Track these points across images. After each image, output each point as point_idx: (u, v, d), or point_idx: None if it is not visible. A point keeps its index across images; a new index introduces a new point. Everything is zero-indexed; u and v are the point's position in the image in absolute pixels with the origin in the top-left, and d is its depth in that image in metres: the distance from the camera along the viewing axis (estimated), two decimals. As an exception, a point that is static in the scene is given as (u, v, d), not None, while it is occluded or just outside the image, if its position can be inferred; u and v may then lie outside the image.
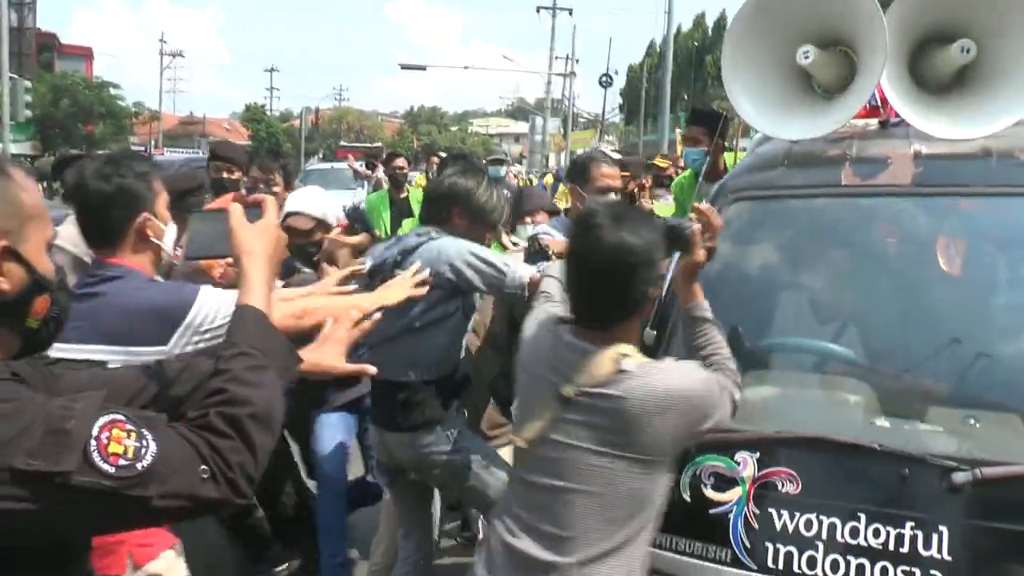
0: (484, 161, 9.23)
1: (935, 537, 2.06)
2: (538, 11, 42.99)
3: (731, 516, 2.27)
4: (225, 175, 5.20)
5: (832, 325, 2.71)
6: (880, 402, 2.45)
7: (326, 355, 1.93)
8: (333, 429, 4.15)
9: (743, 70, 3.12)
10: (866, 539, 2.12)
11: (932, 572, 2.05)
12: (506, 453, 3.30)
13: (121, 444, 1.26)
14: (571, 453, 2.08)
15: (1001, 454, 2.15)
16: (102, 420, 1.27)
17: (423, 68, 43.08)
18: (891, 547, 2.09)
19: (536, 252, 3.39)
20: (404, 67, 42.17)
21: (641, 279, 2.10)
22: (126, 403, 1.65)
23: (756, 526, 2.24)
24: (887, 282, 2.75)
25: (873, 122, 3.26)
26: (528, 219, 4.47)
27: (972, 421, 2.33)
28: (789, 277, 2.89)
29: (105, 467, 1.24)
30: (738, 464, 2.31)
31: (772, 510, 2.23)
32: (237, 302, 1.56)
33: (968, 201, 2.68)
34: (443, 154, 11.25)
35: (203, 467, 1.32)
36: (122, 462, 1.25)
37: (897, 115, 3.05)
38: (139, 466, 1.26)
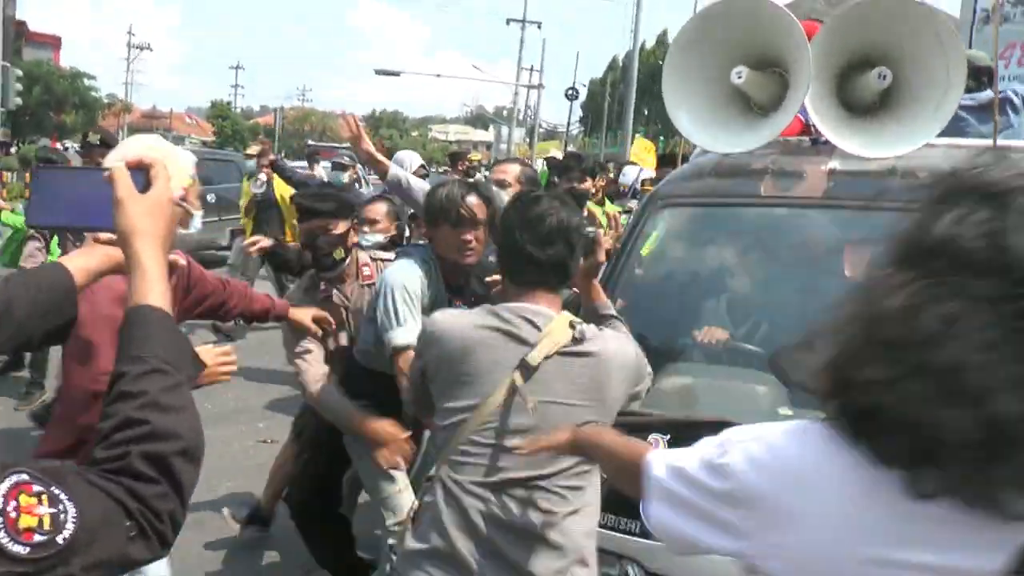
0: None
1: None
2: (508, 23, 43.40)
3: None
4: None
5: (746, 322, 2.93)
6: (786, 393, 2.66)
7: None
8: None
9: (682, 87, 3.33)
10: (761, 513, 2.31)
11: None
12: None
13: (33, 514, 0.98)
14: (549, 410, 2.19)
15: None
16: (5, 487, 0.98)
17: (397, 74, 43.11)
18: (781, 520, 2.29)
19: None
20: (379, 72, 42.02)
21: (581, 251, 2.39)
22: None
23: (663, 500, 2.43)
24: (795, 284, 2.98)
25: (806, 139, 3.48)
26: None
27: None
28: (709, 277, 3.12)
29: (17, 549, 0.96)
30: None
31: (678, 486, 2.42)
32: (133, 300, 1.26)
33: (873, 214, 2.90)
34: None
35: (128, 523, 1.07)
36: (38, 538, 0.97)
37: (825, 133, 3.26)
38: (59, 539, 0.99)
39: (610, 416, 2.28)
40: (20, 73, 24.69)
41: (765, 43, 3.27)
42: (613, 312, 2.57)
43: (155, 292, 1.26)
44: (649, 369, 2.44)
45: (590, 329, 2.28)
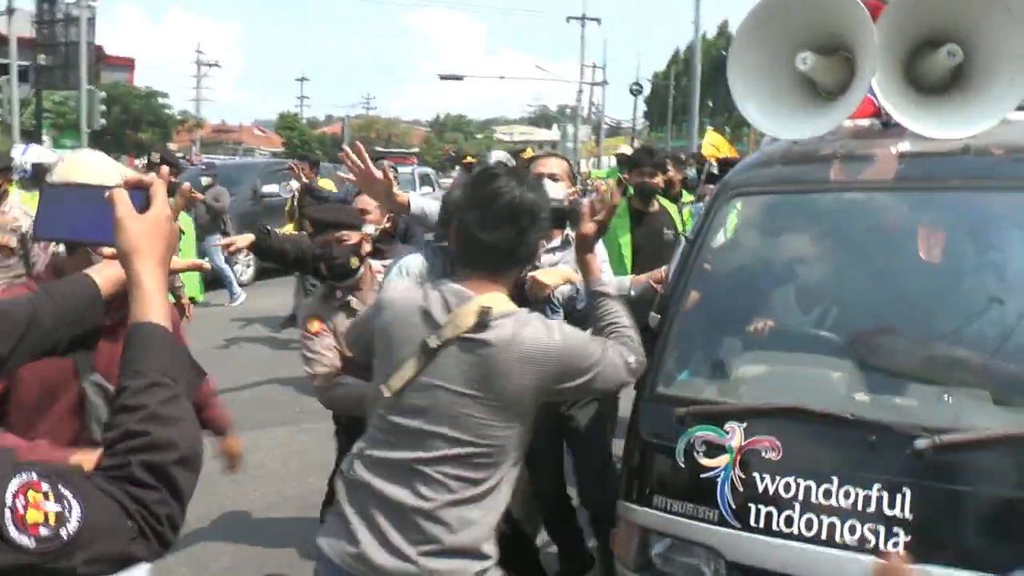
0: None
1: (899, 497, 2.25)
2: (568, 20, 43.47)
3: (719, 480, 2.48)
4: (172, 179, 5.59)
5: (819, 308, 2.91)
6: (863, 379, 2.64)
7: None
8: None
9: (748, 75, 3.31)
10: (838, 500, 2.31)
11: (895, 529, 2.24)
12: None
13: (40, 510, 1.06)
14: (439, 396, 2.15)
15: (963, 423, 2.33)
16: (15, 484, 1.06)
17: (461, 78, 43.75)
18: (859, 507, 2.28)
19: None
20: (443, 77, 42.87)
21: (536, 232, 2.25)
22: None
23: (741, 489, 2.45)
24: (867, 269, 2.94)
25: (876, 122, 3.43)
26: None
27: (946, 396, 2.51)
28: (780, 264, 3.10)
29: (24, 540, 1.04)
30: (727, 433, 2.51)
31: (756, 474, 2.43)
32: (134, 318, 1.34)
33: (946, 194, 2.86)
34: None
35: (130, 524, 1.16)
36: (44, 531, 1.06)
37: (898, 115, 3.20)
38: (63, 533, 1.07)
39: (514, 410, 2.17)
40: (104, 95, 25.98)
41: (829, 27, 3.24)
42: (605, 290, 2.47)
43: (154, 309, 1.34)
44: (630, 359, 2.31)
45: (510, 318, 2.17)
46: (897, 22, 3.17)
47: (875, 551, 2.24)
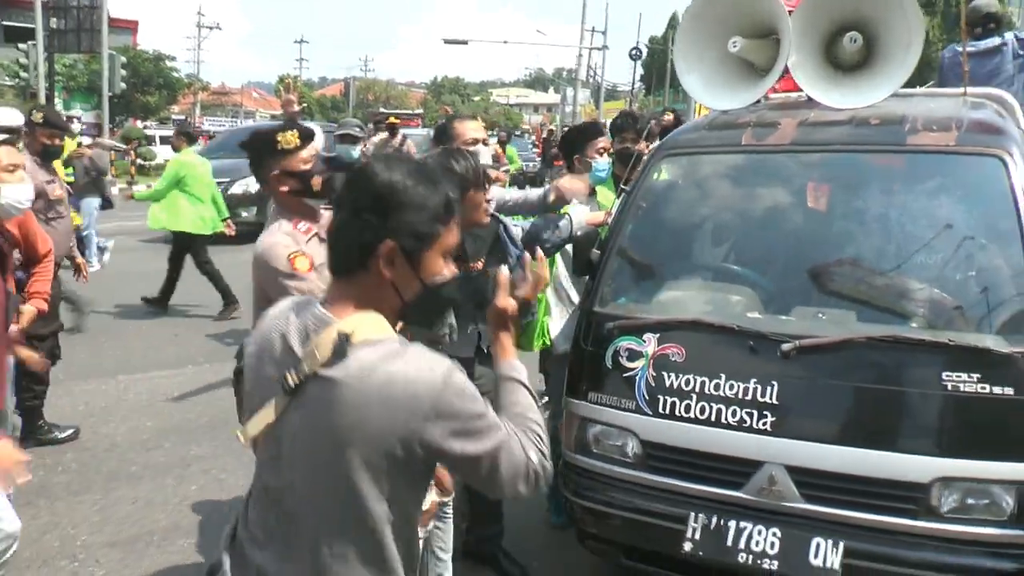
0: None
1: (769, 388, 2.93)
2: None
3: (637, 378, 3.16)
4: (55, 142, 6.10)
5: (727, 247, 3.58)
6: (759, 302, 3.30)
7: None
8: None
9: (692, 53, 3.94)
10: (724, 391, 2.99)
11: (764, 412, 2.92)
12: None
13: None
14: (296, 452, 1.69)
15: (822, 333, 2.99)
16: None
17: (465, 42, 43.70)
18: (740, 396, 2.96)
19: None
20: (447, 41, 42.79)
21: (394, 222, 1.67)
22: None
23: (653, 385, 3.13)
24: (767, 215, 3.59)
25: (803, 95, 4.05)
26: None
27: (820, 315, 3.17)
28: (698, 212, 3.77)
29: None
30: (644, 342, 3.18)
31: (664, 373, 3.12)
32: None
33: (829, 155, 3.50)
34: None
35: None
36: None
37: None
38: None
39: (379, 461, 1.63)
40: (124, 60, 26.43)
41: (758, 16, 3.86)
42: (519, 377, 1.93)
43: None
44: (531, 455, 1.76)
45: (374, 347, 1.64)
46: (811, 12, 3.80)
47: (749, 429, 2.92)
